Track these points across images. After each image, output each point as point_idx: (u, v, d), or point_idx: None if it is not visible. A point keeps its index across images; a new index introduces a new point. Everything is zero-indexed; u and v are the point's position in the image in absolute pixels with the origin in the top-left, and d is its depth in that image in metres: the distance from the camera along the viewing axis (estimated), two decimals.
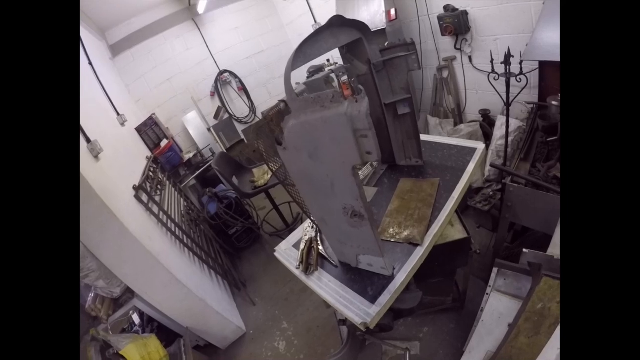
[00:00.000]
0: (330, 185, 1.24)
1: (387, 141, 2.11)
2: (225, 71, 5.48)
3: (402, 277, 1.45)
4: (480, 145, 2.09)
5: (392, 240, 1.64)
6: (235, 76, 5.55)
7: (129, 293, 2.48)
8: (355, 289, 1.48)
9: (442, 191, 1.85)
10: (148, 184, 2.96)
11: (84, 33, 3.45)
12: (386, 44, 2.02)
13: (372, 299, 1.39)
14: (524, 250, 1.90)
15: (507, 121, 2.99)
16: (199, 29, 5.28)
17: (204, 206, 4.03)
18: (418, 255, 1.53)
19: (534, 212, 2.04)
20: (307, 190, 1.41)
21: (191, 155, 4.90)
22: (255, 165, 4.03)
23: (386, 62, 1.99)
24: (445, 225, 1.70)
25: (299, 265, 1.72)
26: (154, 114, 4.52)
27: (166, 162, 4.39)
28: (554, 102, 2.49)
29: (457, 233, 1.88)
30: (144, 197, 2.68)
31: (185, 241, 2.97)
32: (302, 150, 1.20)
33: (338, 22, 1.65)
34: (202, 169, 4.67)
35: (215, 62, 5.46)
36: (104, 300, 2.44)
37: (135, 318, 2.62)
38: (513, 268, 1.91)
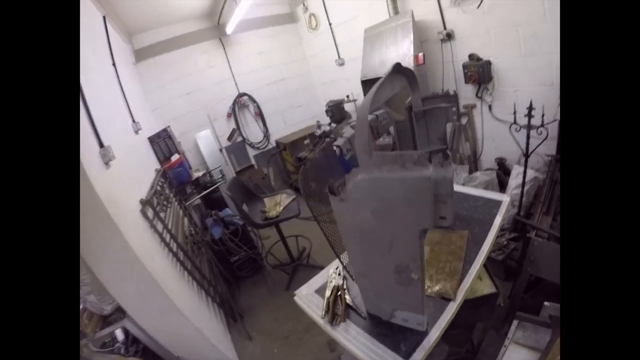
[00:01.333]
0: (389, 244, 1.20)
1: None
2: (245, 94, 5.53)
3: (435, 333, 1.41)
4: (505, 198, 2.09)
5: (425, 294, 1.61)
6: (254, 100, 5.59)
7: (119, 312, 2.28)
8: (387, 343, 1.41)
9: (471, 244, 1.81)
10: (155, 199, 2.81)
11: (111, 33, 3.48)
12: (430, 93, 2.05)
13: (406, 355, 1.33)
14: (545, 303, 1.90)
15: (525, 171, 3.02)
16: (224, 49, 5.37)
17: (207, 228, 3.88)
18: (451, 310, 1.49)
19: (556, 265, 2.02)
20: (355, 244, 1.35)
21: (200, 174, 4.79)
22: (267, 194, 3.95)
23: (426, 111, 2.01)
24: (475, 279, 1.67)
25: (325, 315, 1.61)
26: (169, 126, 4.50)
27: (174, 177, 4.28)
28: None
29: (486, 287, 1.85)
30: (150, 213, 2.53)
31: (187, 264, 2.83)
32: (364, 206, 1.15)
33: (397, 69, 1.67)
34: (209, 190, 4.56)
35: (236, 84, 5.53)
36: (92, 315, 2.26)
37: (119, 334, 2.49)
38: (534, 321, 1.88)
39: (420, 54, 3.57)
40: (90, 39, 2.86)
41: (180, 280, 2.66)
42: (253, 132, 5.77)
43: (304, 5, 5.34)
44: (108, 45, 3.28)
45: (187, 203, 4.33)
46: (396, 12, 3.80)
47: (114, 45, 3.43)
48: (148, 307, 2.17)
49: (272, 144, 5.87)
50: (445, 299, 1.53)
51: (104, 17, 3.35)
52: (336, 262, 1.88)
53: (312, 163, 1.65)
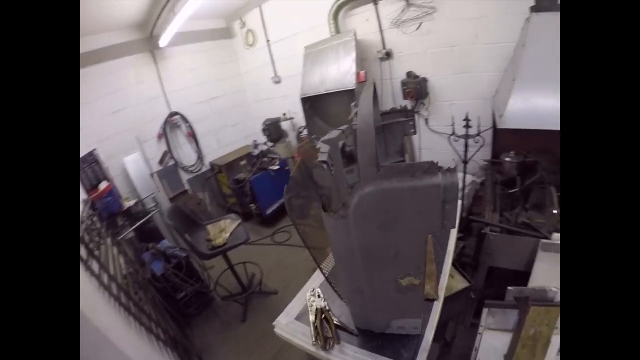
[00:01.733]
0: (393, 255, 1.21)
1: None
2: (177, 113, 5.09)
3: (430, 333, 1.47)
4: (459, 201, 2.30)
5: None
6: (186, 120, 5.18)
7: None
8: (388, 354, 1.42)
9: (437, 247, 1.96)
10: (87, 236, 2.46)
11: None
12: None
13: None
14: (509, 287, 2.06)
15: (464, 177, 3.34)
16: (155, 63, 4.90)
17: (145, 264, 3.44)
18: (437, 309, 1.59)
19: (510, 254, 2.26)
20: (351, 261, 1.31)
21: (131, 203, 4.26)
22: (209, 221, 3.62)
23: (384, 125, 2.14)
24: (447, 278, 1.81)
25: (315, 341, 1.53)
26: (95, 149, 4.02)
27: (103, 208, 3.78)
28: (507, 159, 2.86)
29: (459, 283, 2.01)
30: (83, 253, 2.14)
31: (132, 309, 2.45)
32: (370, 220, 1.13)
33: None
34: (143, 220, 4.08)
35: (167, 102, 5.06)
36: None
37: None
38: (501, 305, 2.08)
39: (362, 72, 3.77)
40: None
41: (128, 328, 2.31)
42: (186, 154, 5.31)
43: (241, 20, 5.27)
44: None
45: (120, 237, 3.69)
46: (337, 31, 3.98)
47: None
48: None
49: (207, 166, 5.50)
50: (430, 300, 1.62)
51: None
52: (309, 286, 1.84)
53: (294, 181, 1.63)
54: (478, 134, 3.22)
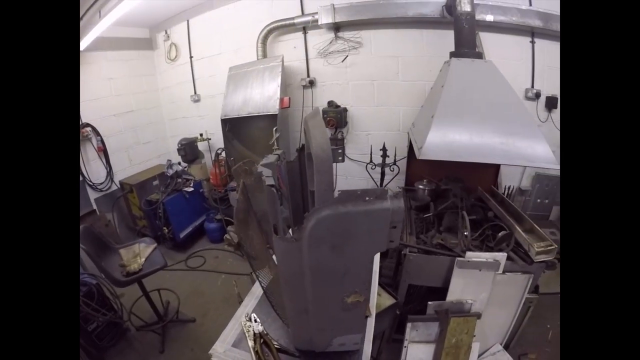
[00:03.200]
0: (342, 275, 1.27)
1: None
2: (88, 125, 4.53)
3: (368, 347, 1.54)
4: None
5: None
6: (98, 133, 4.63)
7: None
8: None
9: None
10: None
11: None
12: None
13: None
14: (429, 302, 2.34)
15: None
16: None
17: None
18: (372, 324, 1.65)
19: (428, 272, 2.43)
20: (298, 283, 1.33)
21: None
22: (122, 245, 3.29)
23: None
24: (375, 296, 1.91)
25: None
26: None
27: None
28: (420, 186, 3.13)
29: (387, 300, 2.12)
30: None
31: None
32: (324, 242, 1.18)
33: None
34: None
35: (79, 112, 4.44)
36: None
37: None
38: (423, 319, 2.31)
39: (287, 98, 3.84)
40: None
41: None
42: (95, 170, 4.73)
43: (166, 33, 5.01)
44: None
45: None
46: (264, 55, 4.03)
47: None
48: None
49: (116, 184, 4.99)
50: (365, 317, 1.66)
51: None
52: (241, 312, 1.80)
53: (241, 205, 1.62)
54: (394, 163, 3.49)
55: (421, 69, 3.40)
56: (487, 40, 3.13)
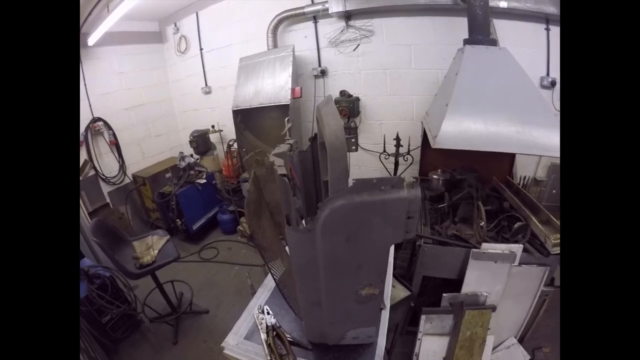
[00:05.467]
0: (356, 267, 1.23)
1: None
2: (100, 119, 4.58)
3: (382, 340, 1.52)
4: None
5: None
6: (110, 127, 4.70)
7: None
8: None
9: None
10: None
11: None
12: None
13: None
14: (444, 294, 2.30)
15: None
16: (81, 63, 4.38)
17: None
18: (386, 317, 1.64)
19: (443, 264, 2.40)
20: (311, 275, 1.30)
21: None
22: (135, 237, 3.33)
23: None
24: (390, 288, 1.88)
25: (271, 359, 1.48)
26: None
27: None
28: (434, 176, 3.08)
29: (402, 292, 2.10)
30: None
31: None
32: (338, 233, 1.14)
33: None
34: None
35: (90, 106, 4.52)
36: None
37: None
38: (437, 311, 2.28)
39: (298, 88, 3.81)
40: None
41: None
42: (107, 164, 4.80)
43: (175, 26, 4.99)
44: None
45: None
46: (275, 45, 3.99)
47: None
48: None
49: (129, 177, 5.06)
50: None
51: None
52: (254, 303, 1.79)
53: (252, 196, 1.61)
54: (408, 153, 3.44)
55: (434, 57, 3.32)
56: (502, 27, 3.03)
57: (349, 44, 3.67)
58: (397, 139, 3.35)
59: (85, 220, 3.86)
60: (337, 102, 3.82)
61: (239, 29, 4.42)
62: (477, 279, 2.21)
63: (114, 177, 4.87)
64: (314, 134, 2.40)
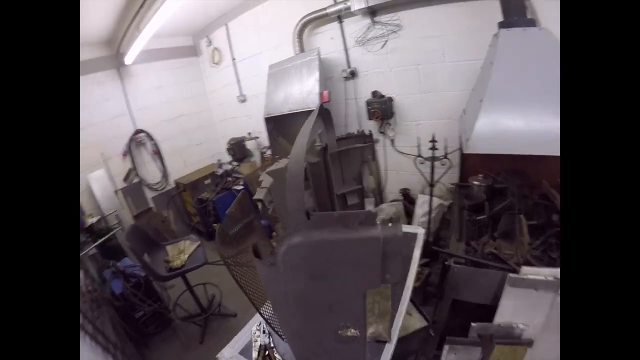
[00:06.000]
0: (328, 307, 1.11)
1: None
2: (142, 131, 5.00)
3: None
4: (420, 230, 2.20)
5: None
6: (151, 138, 5.10)
7: None
8: None
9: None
10: None
11: None
12: (345, 134, 2.04)
13: None
14: (472, 324, 1.98)
15: (431, 200, 3.20)
16: (121, 81, 4.82)
17: (106, 282, 3.43)
18: (389, 352, 1.47)
19: (476, 288, 2.08)
20: (288, 308, 1.22)
21: (94, 220, 4.23)
22: (169, 241, 3.59)
23: (340, 152, 1.98)
24: (404, 316, 1.68)
25: None
26: None
27: None
28: (475, 182, 2.73)
29: (417, 322, 1.86)
30: None
31: (87, 328, 2.46)
32: (301, 270, 1.05)
33: (320, 111, 1.62)
34: (105, 238, 4.03)
35: (133, 120, 4.95)
36: None
37: None
38: (464, 342, 1.99)
39: (326, 92, 3.63)
40: None
41: (82, 346, 2.30)
42: (151, 172, 5.21)
43: (207, 38, 5.18)
44: None
45: (81, 254, 3.73)
46: (302, 49, 3.86)
47: None
48: None
49: (171, 184, 5.41)
50: (380, 342, 1.46)
51: None
52: (257, 319, 1.78)
53: (231, 219, 1.54)
54: (445, 156, 3.11)
55: (469, 47, 2.95)
56: (540, 4, 2.59)
57: (376, 42, 3.41)
58: (432, 140, 3.04)
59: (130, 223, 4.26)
60: (369, 104, 3.61)
61: (266, 37, 4.41)
62: (513, 308, 1.86)
63: (157, 183, 5.25)
64: (325, 144, 2.23)
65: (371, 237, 0.91)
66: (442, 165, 3.13)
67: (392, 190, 4.03)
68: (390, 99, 3.58)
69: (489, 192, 2.67)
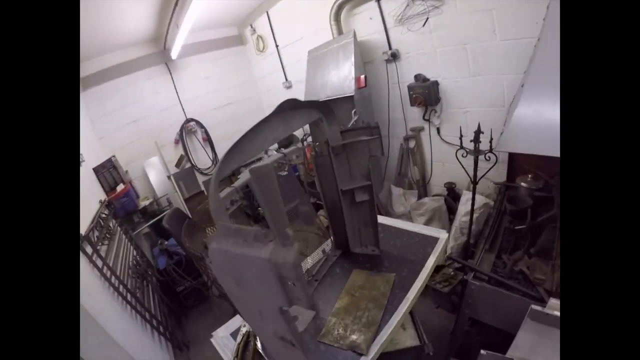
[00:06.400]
0: (259, 312, 1.08)
1: (341, 227, 1.96)
2: (192, 120, 5.33)
3: None
4: (443, 235, 1.95)
5: (336, 345, 1.46)
6: (201, 126, 5.40)
7: None
8: None
9: (396, 289, 1.66)
10: (96, 232, 2.87)
11: None
12: (349, 125, 1.86)
13: None
14: (482, 352, 1.66)
15: (473, 199, 2.81)
16: (170, 74, 5.19)
17: (155, 258, 3.86)
18: None
19: (496, 311, 1.80)
20: (238, 304, 1.23)
21: (147, 202, 4.65)
22: (210, 225, 3.67)
23: (347, 145, 1.81)
24: (396, 330, 1.51)
25: None
26: (113, 156, 4.33)
27: (120, 207, 4.22)
28: (523, 184, 2.34)
29: (409, 339, 1.64)
30: (89, 249, 2.49)
31: (129, 299, 2.80)
32: (226, 274, 1.03)
33: (289, 106, 1.48)
34: (156, 219, 4.44)
35: (183, 110, 5.32)
36: None
37: None
38: None
39: (362, 76, 3.38)
40: None
41: (122, 313, 2.69)
42: (201, 158, 5.54)
43: (251, 27, 5.23)
44: None
45: (135, 232, 4.24)
46: (340, 32, 3.63)
47: None
48: (87, 341, 2.13)
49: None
50: (358, 354, 1.39)
51: None
52: None
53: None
54: (490, 150, 2.69)
55: (524, 22, 2.44)
56: None
57: (417, 19, 3.03)
58: (477, 131, 2.63)
59: (181, 205, 4.63)
60: (410, 88, 3.28)
61: (305, 22, 4.28)
62: (531, 344, 1.50)
63: (208, 168, 5.55)
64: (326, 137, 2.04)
65: (260, 258, 0.82)
66: (487, 160, 2.72)
67: (437, 183, 3.69)
68: (436, 83, 3.20)
69: (537, 196, 2.26)
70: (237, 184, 1.53)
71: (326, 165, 1.86)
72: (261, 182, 1.54)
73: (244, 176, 1.67)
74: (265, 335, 1.26)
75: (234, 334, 1.75)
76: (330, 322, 1.57)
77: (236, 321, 1.83)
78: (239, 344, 1.63)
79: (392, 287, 1.67)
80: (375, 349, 1.38)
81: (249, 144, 1.24)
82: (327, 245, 2.23)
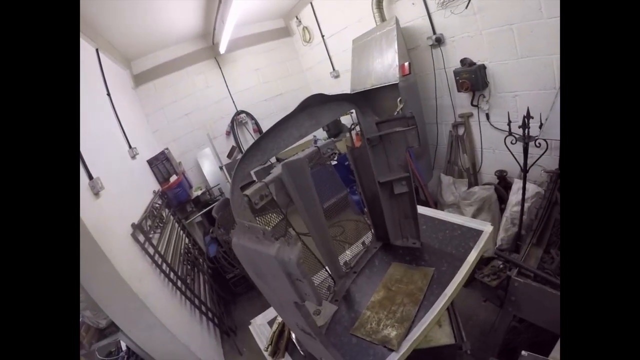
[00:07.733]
0: (279, 304, 1.15)
1: (381, 219, 1.96)
2: (242, 112, 5.50)
3: None
4: (487, 228, 1.88)
5: (367, 339, 1.46)
6: (252, 117, 5.56)
7: (114, 326, 2.41)
8: None
9: (434, 285, 1.63)
10: (149, 221, 3.00)
11: (106, 63, 3.59)
12: (395, 113, 1.85)
13: None
14: (523, 352, 1.62)
15: (524, 189, 2.70)
16: (220, 68, 5.40)
17: (207, 246, 4.00)
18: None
19: (541, 309, 1.73)
20: (263, 292, 1.26)
21: (200, 192, 4.88)
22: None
23: (383, 136, 1.82)
24: (431, 327, 1.49)
25: (267, 347, 1.64)
26: (166, 148, 4.58)
27: (173, 197, 4.40)
28: None
29: (444, 337, 1.61)
30: (141, 237, 2.65)
31: (179, 285, 2.95)
32: (248, 264, 1.09)
33: (316, 101, 1.50)
34: (208, 208, 4.63)
35: (233, 102, 5.51)
36: (89, 328, 2.41)
37: (123, 345, 2.75)
38: None
39: (406, 64, 3.32)
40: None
41: (172, 298, 2.84)
42: None
43: (297, 18, 5.29)
44: (102, 76, 3.37)
45: (188, 221, 4.41)
46: (382, 19, 3.58)
47: (109, 74, 3.53)
48: (137, 323, 2.35)
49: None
50: (388, 349, 1.38)
51: (97, 50, 3.43)
52: None
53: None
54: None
55: None
56: None
57: (460, 1, 2.91)
58: (526, 116, 2.50)
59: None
60: (457, 73, 3.18)
61: (348, 10, 4.26)
62: None
63: None
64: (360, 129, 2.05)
65: (267, 254, 0.86)
66: (537, 146, 2.59)
67: (487, 171, 3.55)
68: (483, 67, 3.06)
69: None
70: (268, 179, 1.60)
71: (364, 157, 1.86)
72: (295, 176, 1.61)
73: (276, 171, 1.75)
74: (292, 325, 1.30)
75: (271, 322, 1.80)
76: (365, 316, 1.57)
77: (272, 311, 1.87)
78: (274, 332, 1.66)
79: (429, 282, 1.63)
80: (407, 346, 1.36)
81: (272, 141, 1.29)
82: (368, 237, 2.23)
